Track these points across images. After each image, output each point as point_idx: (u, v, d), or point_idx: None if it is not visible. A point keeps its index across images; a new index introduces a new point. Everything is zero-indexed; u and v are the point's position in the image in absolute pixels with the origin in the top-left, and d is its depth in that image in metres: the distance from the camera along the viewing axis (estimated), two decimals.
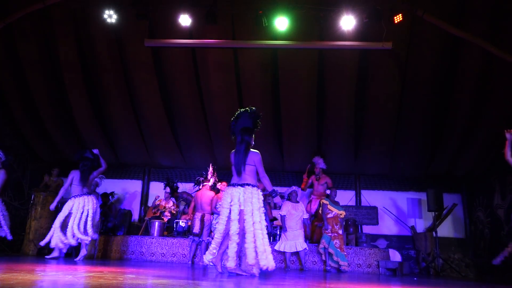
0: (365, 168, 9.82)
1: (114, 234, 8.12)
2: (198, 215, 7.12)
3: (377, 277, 5.98)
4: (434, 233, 8.38)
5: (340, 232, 6.98)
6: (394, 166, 9.47)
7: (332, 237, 6.93)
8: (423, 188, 9.41)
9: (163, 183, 9.07)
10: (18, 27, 7.43)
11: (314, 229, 7.91)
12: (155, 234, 7.83)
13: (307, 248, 6.99)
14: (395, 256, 8.64)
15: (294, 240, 6.84)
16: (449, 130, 8.32)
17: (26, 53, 7.85)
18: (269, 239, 7.30)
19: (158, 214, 8.46)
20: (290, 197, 7.10)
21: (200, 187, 7.49)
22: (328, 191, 7.39)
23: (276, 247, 6.88)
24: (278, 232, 7.58)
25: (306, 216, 7.13)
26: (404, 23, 6.62)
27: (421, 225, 9.44)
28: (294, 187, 7.26)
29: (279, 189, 9.61)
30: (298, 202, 7.12)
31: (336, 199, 7.31)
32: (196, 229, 7.02)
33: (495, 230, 8.50)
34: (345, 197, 9.65)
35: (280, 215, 7.07)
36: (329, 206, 7.10)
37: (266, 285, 3.42)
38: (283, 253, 7.01)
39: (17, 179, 9.03)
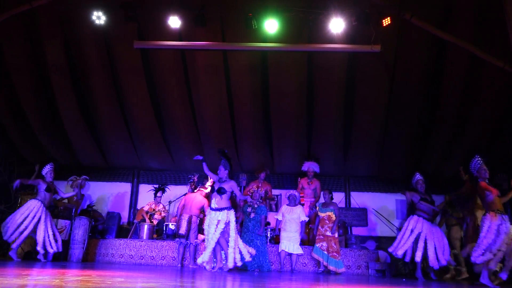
0: (355, 170, 9.88)
1: (103, 237, 8.03)
2: (185, 216, 7.10)
3: (367, 279, 6.02)
4: None
5: (328, 234, 6.92)
6: (383, 168, 9.54)
7: (317, 240, 6.95)
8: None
9: (152, 190, 8.91)
10: (3, 29, 7.30)
11: (308, 232, 7.94)
12: (145, 237, 7.77)
13: (302, 253, 6.99)
14: (384, 257, 8.68)
15: (290, 242, 6.87)
16: (437, 132, 8.41)
17: (12, 55, 7.75)
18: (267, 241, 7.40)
19: (148, 216, 8.39)
20: (289, 201, 7.20)
21: (195, 190, 7.53)
22: (322, 195, 7.55)
23: (279, 249, 6.93)
24: (269, 235, 7.59)
25: (304, 219, 7.14)
26: (392, 26, 6.69)
27: None
28: (293, 191, 7.37)
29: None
30: (296, 205, 7.16)
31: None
32: (182, 230, 6.99)
33: None
34: (335, 199, 9.57)
35: (275, 218, 7.25)
36: (318, 212, 7.19)
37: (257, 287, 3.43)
38: (278, 253, 7.01)
39: (3, 182, 8.88)
